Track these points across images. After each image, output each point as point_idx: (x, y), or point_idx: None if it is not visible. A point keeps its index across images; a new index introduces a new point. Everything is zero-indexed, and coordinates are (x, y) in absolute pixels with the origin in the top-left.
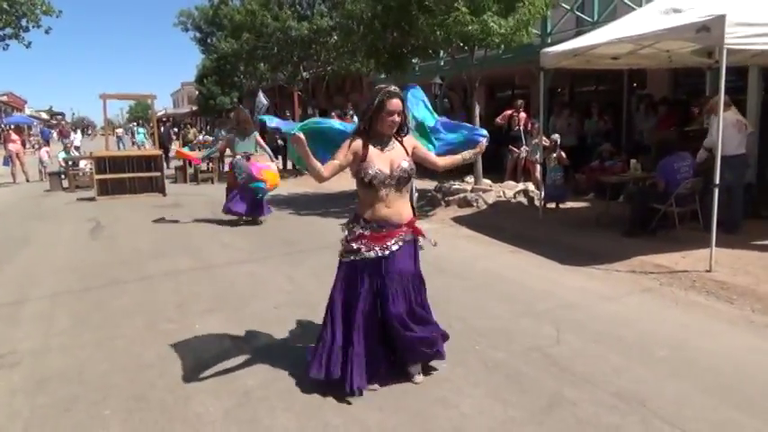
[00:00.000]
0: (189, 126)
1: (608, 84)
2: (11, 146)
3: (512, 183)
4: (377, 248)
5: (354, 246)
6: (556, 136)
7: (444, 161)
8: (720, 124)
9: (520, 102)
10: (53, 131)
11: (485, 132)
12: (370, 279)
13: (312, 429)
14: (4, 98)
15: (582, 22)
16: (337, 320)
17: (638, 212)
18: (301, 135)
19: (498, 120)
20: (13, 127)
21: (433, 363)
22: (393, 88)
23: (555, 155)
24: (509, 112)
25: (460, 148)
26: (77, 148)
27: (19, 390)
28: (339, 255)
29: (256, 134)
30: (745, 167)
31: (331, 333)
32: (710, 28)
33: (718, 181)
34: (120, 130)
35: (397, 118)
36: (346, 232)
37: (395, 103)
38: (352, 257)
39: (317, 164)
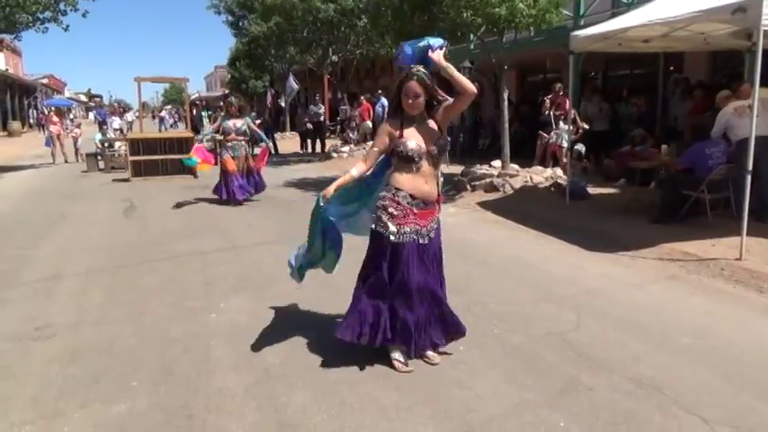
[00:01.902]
0: (220, 110)
1: (643, 67)
2: (52, 127)
3: (539, 168)
4: (423, 230)
5: (407, 227)
6: (581, 149)
7: (461, 89)
8: (756, 108)
9: (558, 85)
10: (114, 115)
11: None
12: (412, 253)
13: (328, 406)
14: (45, 81)
15: (617, 3)
16: (379, 289)
17: (669, 199)
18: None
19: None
20: (54, 109)
21: (448, 348)
22: (415, 69)
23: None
24: (549, 97)
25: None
26: (116, 131)
27: (54, 360)
28: (384, 232)
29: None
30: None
31: (372, 303)
32: (747, 9)
33: (750, 167)
34: (164, 113)
35: (412, 101)
36: (389, 206)
37: (409, 87)
38: (402, 238)
39: (354, 171)
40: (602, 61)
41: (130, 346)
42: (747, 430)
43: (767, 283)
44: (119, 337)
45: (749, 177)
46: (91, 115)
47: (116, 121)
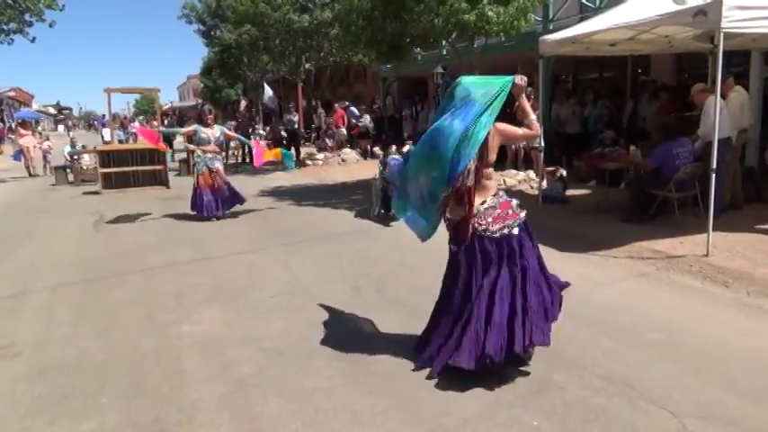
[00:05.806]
0: (192, 120)
1: (612, 70)
2: (21, 140)
3: (513, 171)
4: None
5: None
6: (563, 172)
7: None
8: (717, 107)
9: (529, 89)
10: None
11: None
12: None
13: (303, 414)
14: (12, 93)
15: (585, 8)
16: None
17: (638, 198)
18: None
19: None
20: (20, 121)
21: None
22: None
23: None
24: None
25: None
26: (107, 143)
27: (20, 379)
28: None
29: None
30: (727, 150)
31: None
32: (707, 12)
33: (715, 165)
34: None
35: None
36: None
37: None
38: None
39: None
40: (572, 65)
41: (100, 362)
42: (715, 421)
43: (733, 278)
44: (88, 352)
45: (714, 175)
46: (60, 128)
47: (107, 133)
